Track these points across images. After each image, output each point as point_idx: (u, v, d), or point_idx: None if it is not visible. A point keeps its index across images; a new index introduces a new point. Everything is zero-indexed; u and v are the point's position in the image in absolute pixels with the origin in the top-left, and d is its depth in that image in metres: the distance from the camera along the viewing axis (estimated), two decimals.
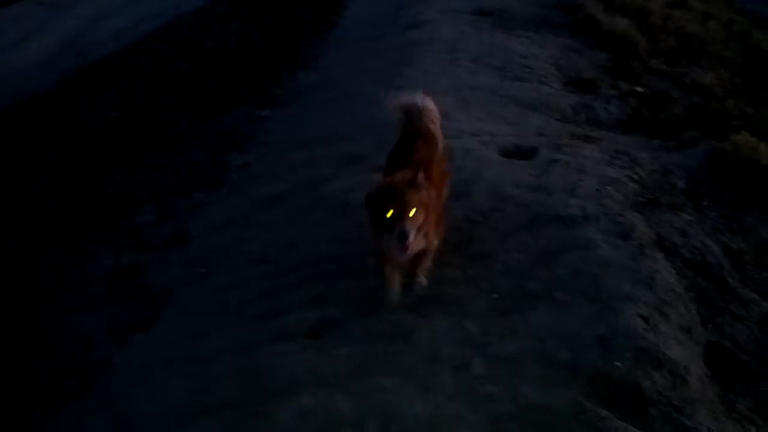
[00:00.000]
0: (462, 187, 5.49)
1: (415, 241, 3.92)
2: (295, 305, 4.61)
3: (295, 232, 5.65)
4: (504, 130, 6.81)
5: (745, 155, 5.85)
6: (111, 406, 4.26)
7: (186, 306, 5.20)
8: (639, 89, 8.42)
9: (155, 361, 4.58)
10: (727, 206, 5.53)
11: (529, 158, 6.16)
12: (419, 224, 3.91)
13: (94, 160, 8.56)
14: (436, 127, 4.87)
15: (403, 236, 3.79)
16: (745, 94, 9.06)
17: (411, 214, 3.84)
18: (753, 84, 9.58)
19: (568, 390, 3.57)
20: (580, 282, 4.37)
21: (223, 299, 5.05)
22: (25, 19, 15.34)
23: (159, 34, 14.08)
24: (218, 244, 5.97)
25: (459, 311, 4.21)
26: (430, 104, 4.89)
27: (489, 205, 5.34)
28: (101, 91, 11.09)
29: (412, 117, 4.82)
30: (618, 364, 3.70)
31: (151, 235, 6.47)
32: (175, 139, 8.92)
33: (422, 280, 4.46)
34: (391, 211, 3.84)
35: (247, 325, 4.60)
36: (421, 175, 3.99)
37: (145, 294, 5.50)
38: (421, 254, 4.26)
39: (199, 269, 5.62)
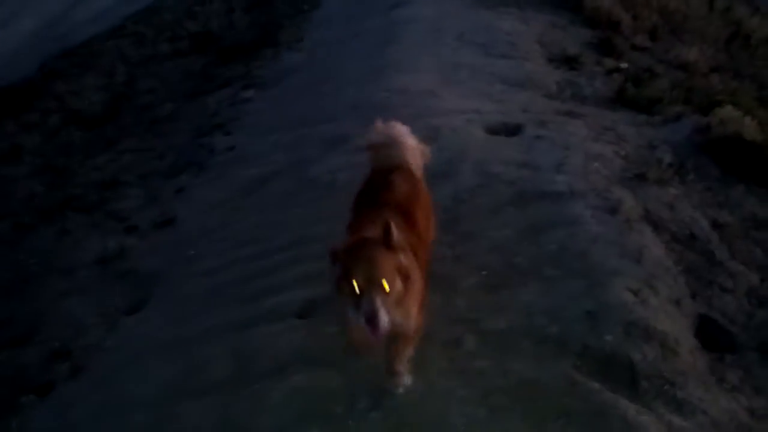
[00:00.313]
0: (448, 165, 5.49)
1: (391, 320, 2.97)
2: (283, 286, 4.62)
3: (282, 213, 5.64)
4: (489, 108, 6.80)
5: (729, 129, 5.87)
6: (102, 389, 4.26)
7: (175, 288, 5.19)
8: (623, 65, 8.42)
9: (146, 344, 4.57)
10: (714, 180, 5.56)
11: (515, 135, 6.16)
12: (396, 297, 3.00)
13: (78, 144, 8.50)
14: (416, 162, 4.10)
15: (373, 317, 2.87)
16: (728, 69, 9.09)
17: (384, 285, 2.92)
18: (736, 59, 9.61)
19: (558, 364, 3.60)
20: (568, 257, 4.39)
21: (212, 281, 5.05)
22: (3, 3, 15.14)
23: (140, 16, 13.99)
24: (206, 226, 5.95)
25: (449, 288, 4.21)
26: (407, 135, 4.11)
27: (476, 182, 5.34)
28: (83, 75, 11.00)
29: (386, 151, 4.01)
30: (608, 337, 3.72)
31: (138, 218, 6.44)
32: (159, 123, 8.87)
33: (403, 377, 3.50)
34: (356, 282, 2.92)
35: (237, 306, 4.60)
36: (397, 232, 3.07)
37: (134, 277, 5.49)
38: (400, 336, 3.35)
39: (188, 251, 5.61)
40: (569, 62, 8.35)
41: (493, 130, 6.27)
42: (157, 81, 10.46)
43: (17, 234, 6.55)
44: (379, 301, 2.87)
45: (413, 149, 4.08)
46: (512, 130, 6.26)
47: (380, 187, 3.77)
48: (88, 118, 9.21)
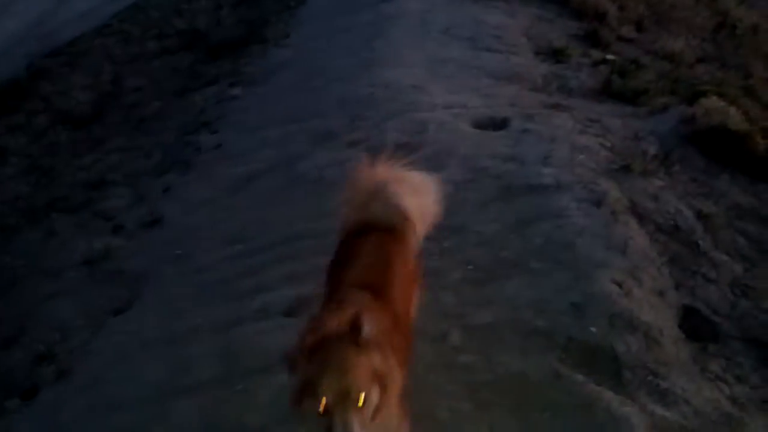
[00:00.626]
0: (435, 160, 5.49)
1: None
2: (272, 284, 4.62)
3: (270, 210, 5.64)
4: (476, 102, 6.80)
5: (715, 119, 5.89)
6: (89, 391, 4.24)
7: (162, 288, 5.17)
8: (609, 57, 8.42)
9: (133, 344, 4.56)
10: (698, 171, 5.58)
11: (502, 129, 6.16)
12: (373, 411, 2.32)
13: (64, 144, 8.47)
14: (410, 211, 3.22)
15: None
16: (714, 59, 9.11)
17: (359, 401, 2.25)
18: (722, 49, 9.63)
19: (544, 357, 3.61)
20: (554, 250, 4.40)
21: (199, 280, 5.04)
22: None
23: (126, 14, 13.92)
24: (193, 225, 5.93)
25: (435, 283, 4.19)
26: (402, 182, 3.27)
27: (463, 176, 5.34)
28: (70, 75, 10.95)
29: (368, 205, 3.24)
30: (593, 329, 3.74)
31: (125, 218, 6.40)
32: (146, 121, 8.83)
33: None
34: (324, 401, 2.23)
35: (225, 304, 4.60)
36: (368, 324, 2.33)
37: (121, 278, 5.46)
38: None
39: (175, 251, 5.58)
40: (556, 55, 8.35)
41: (480, 125, 6.27)
42: (144, 79, 10.41)
43: (2, 236, 6.52)
44: (353, 425, 2.23)
45: (409, 201, 3.24)
46: (499, 124, 6.26)
47: (348, 258, 3.12)
48: (75, 118, 9.16)
